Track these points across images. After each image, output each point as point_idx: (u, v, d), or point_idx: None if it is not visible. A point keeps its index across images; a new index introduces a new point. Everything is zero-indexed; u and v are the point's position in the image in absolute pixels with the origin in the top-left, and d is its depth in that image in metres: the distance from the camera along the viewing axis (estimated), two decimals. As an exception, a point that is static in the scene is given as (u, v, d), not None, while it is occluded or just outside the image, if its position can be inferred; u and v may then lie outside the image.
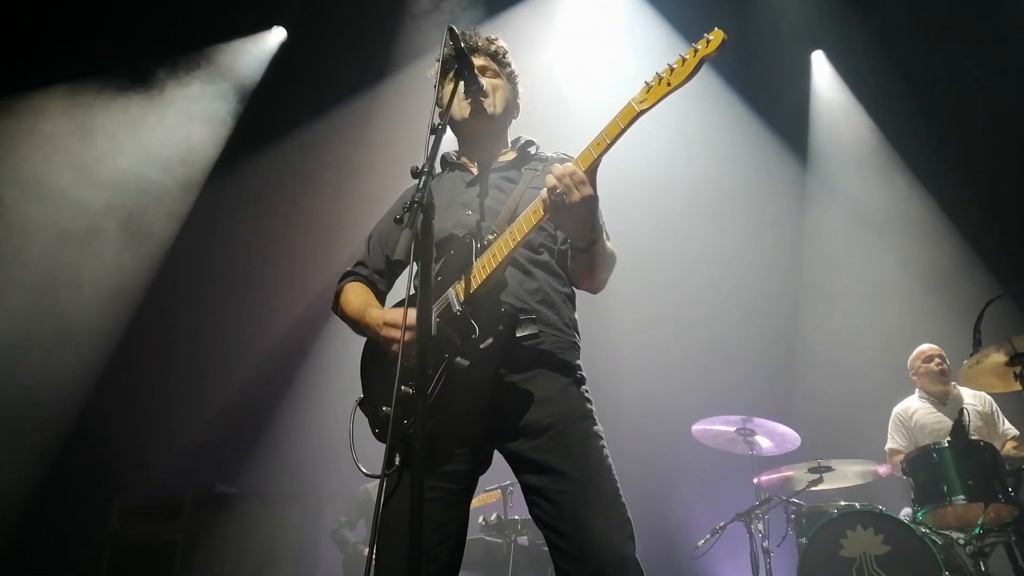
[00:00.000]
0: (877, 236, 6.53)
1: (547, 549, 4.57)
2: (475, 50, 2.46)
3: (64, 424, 5.86)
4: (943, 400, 5.06)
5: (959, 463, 3.98)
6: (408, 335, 1.99)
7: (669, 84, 1.86)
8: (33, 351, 5.60)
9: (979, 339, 4.19)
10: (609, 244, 2.24)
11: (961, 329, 4.39)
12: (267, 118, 6.44)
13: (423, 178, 1.92)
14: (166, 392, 6.15)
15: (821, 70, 7.20)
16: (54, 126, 5.83)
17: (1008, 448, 4.66)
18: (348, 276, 2.47)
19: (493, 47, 2.50)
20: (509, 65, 2.52)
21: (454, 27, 2.27)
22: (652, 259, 6.38)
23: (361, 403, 2.31)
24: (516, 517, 4.94)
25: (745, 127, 6.66)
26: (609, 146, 1.93)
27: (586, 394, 2.19)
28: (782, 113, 6.83)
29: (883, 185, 6.55)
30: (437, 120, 2.13)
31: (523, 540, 4.95)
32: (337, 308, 2.43)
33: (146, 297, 6.18)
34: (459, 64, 2.27)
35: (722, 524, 4.70)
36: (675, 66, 1.86)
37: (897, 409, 5.18)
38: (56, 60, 5.81)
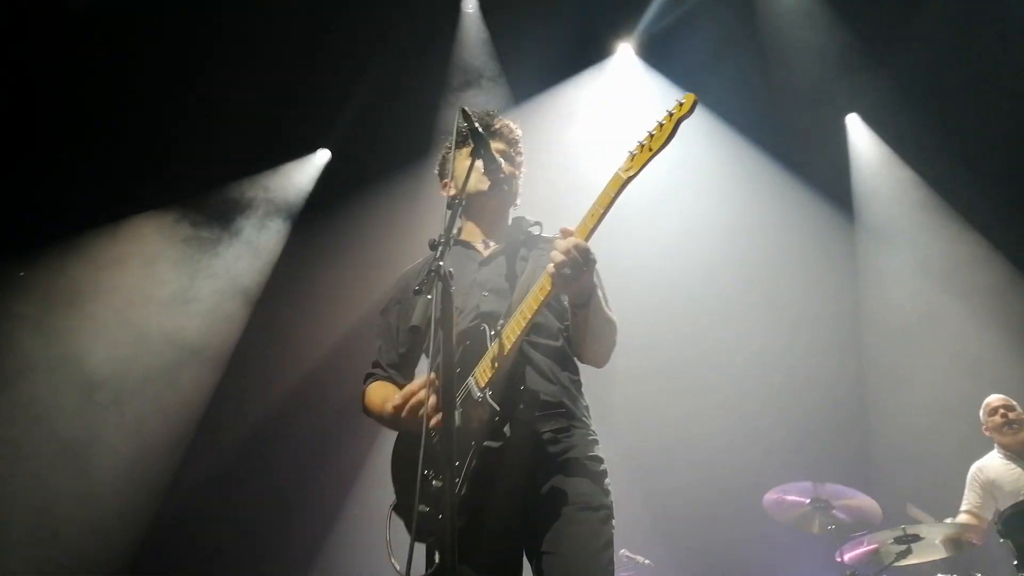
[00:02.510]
0: (935, 286, 6.32)
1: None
2: (494, 133, 2.53)
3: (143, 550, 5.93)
4: (1020, 453, 4.73)
5: (1061, 518, 3.65)
6: (429, 401, 2.01)
7: (651, 149, 1.95)
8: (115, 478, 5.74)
9: (1065, 380, 3.95)
10: (609, 313, 2.29)
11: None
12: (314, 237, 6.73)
13: (440, 248, 1.98)
14: (221, 501, 6.19)
15: (858, 133, 7.18)
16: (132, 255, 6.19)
17: None
18: (367, 379, 2.51)
19: (512, 134, 2.60)
20: (521, 154, 2.62)
21: (466, 108, 2.36)
22: (713, 330, 6.29)
23: (396, 507, 2.28)
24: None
25: (788, 193, 6.63)
26: (602, 216, 2.02)
27: (607, 486, 2.20)
28: (822, 177, 6.79)
29: (934, 236, 6.40)
30: (453, 193, 2.21)
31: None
32: (365, 411, 2.46)
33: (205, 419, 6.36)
34: (475, 143, 2.32)
35: (808, 608, 4.37)
36: (654, 132, 1.96)
37: (973, 467, 4.87)
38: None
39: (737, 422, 6.12)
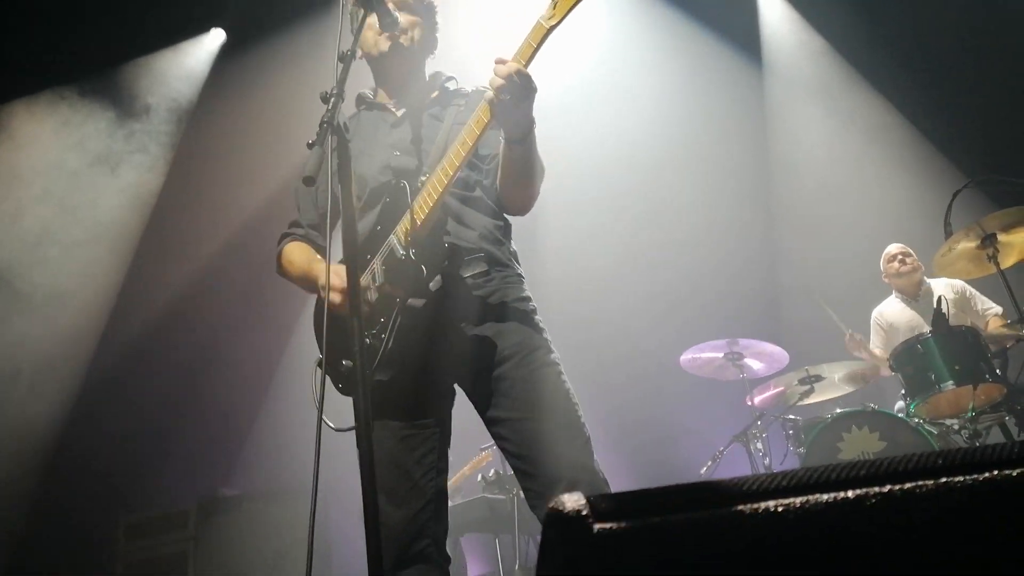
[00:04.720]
0: (842, 148, 6.51)
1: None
2: None
3: (55, 446, 5.84)
4: (915, 296, 5.08)
5: (943, 350, 3.96)
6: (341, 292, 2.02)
7: None
8: (18, 373, 5.58)
9: (950, 229, 4.21)
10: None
11: (937, 223, 4.36)
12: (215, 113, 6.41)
13: (332, 100, 1.90)
14: (153, 403, 6.09)
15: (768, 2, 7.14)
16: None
17: (994, 326, 4.66)
18: (284, 238, 2.45)
19: None
20: None
21: None
22: (620, 197, 6.36)
23: (320, 362, 2.26)
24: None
25: (699, 56, 6.59)
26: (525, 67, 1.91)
27: (540, 324, 2.20)
28: (734, 42, 6.78)
29: (843, 99, 6.50)
30: (347, 47, 2.10)
31: (526, 494, 4.91)
32: (281, 271, 2.42)
33: (113, 313, 6.18)
34: None
35: (721, 449, 4.69)
36: None
37: (874, 312, 5.23)
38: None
39: (650, 285, 6.27)
